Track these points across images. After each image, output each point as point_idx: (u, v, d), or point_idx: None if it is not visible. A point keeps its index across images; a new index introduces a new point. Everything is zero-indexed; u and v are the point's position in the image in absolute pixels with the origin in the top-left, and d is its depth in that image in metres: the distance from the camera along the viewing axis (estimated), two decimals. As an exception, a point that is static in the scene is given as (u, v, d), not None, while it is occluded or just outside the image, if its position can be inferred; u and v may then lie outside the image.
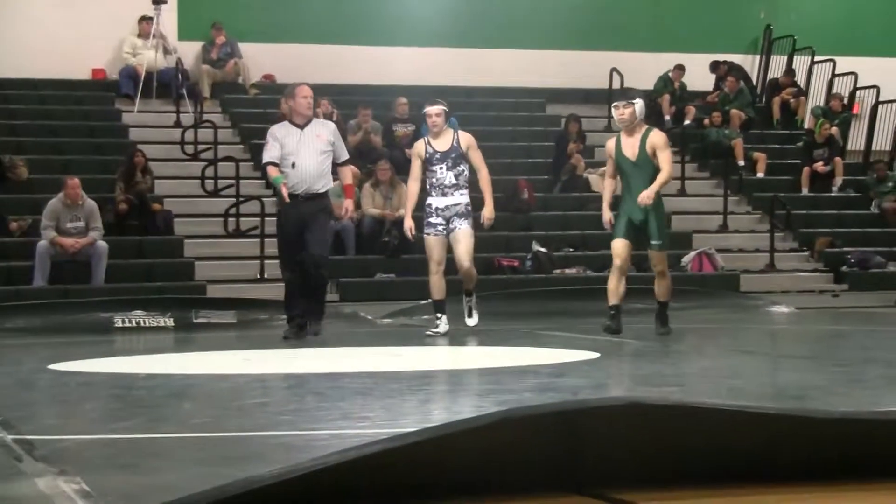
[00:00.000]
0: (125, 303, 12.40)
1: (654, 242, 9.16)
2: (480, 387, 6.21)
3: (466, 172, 9.70)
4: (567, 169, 16.54)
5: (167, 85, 17.11)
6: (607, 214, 9.29)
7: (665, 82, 18.86)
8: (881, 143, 18.90)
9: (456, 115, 17.04)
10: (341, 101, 16.58)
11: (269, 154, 9.62)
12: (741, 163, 17.69)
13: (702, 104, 18.84)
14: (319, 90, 16.47)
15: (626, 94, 9.36)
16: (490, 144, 14.62)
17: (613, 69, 18.45)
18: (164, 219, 14.47)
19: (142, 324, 12.14)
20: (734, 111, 18.42)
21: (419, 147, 9.80)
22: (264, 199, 14.33)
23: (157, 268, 13.79)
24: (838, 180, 17.58)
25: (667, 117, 18.64)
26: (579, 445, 3.04)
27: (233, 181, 14.89)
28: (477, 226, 9.85)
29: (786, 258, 16.13)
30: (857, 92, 19.26)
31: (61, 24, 17.34)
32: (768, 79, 19.93)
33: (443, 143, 9.70)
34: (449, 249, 9.71)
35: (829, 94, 19.19)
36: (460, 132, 9.78)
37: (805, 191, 17.46)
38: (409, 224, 9.86)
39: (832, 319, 13.18)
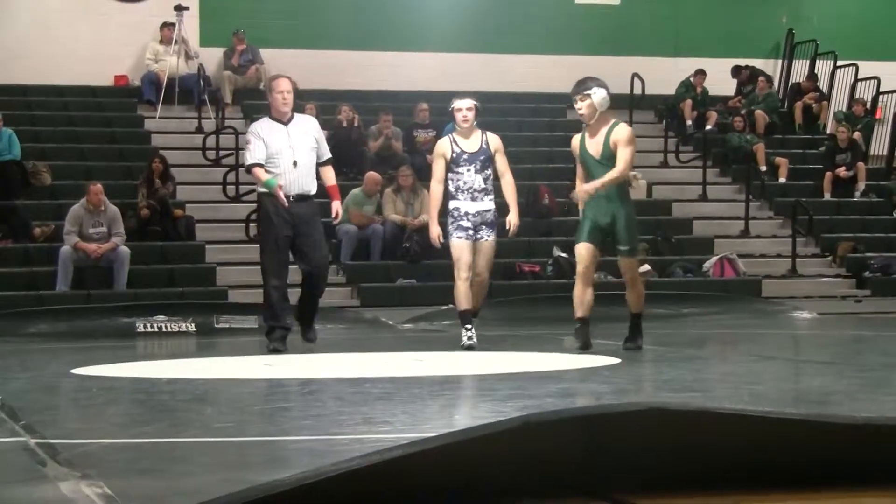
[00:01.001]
0: (147, 308, 12.46)
1: (621, 248, 8.24)
2: (502, 392, 6.20)
3: (491, 176, 9.01)
4: (588, 174, 16.52)
5: (189, 91, 17.17)
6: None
7: (686, 87, 18.82)
8: (904, 147, 18.82)
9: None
10: (362, 106, 16.61)
11: (253, 155, 8.91)
12: (763, 168, 17.63)
13: (723, 108, 18.80)
14: (340, 96, 16.61)
15: (582, 86, 8.35)
16: (511, 150, 14.50)
17: (634, 74, 18.42)
18: (185, 224, 14.53)
19: (164, 329, 12.18)
20: (759, 112, 18.36)
21: (443, 147, 9.00)
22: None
23: (179, 273, 13.83)
24: (861, 185, 17.51)
25: (689, 122, 18.62)
26: (601, 451, 3.04)
27: (254, 187, 14.87)
28: (500, 233, 9.23)
29: (808, 263, 16.06)
30: (880, 96, 19.18)
31: (84, 30, 17.43)
32: (790, 83, 19.88)
33: (471, 144, 8.94)
34: None
35: (852, 99, 19.12)
36: (489, 133, 9.08)
37: (827, 196, 17.40)
38: (435, 231, 9.11)
39: (854, 325, 13.12)
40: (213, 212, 15.23)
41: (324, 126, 10.65)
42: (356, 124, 16.02)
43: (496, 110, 17.57)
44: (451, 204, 8.96)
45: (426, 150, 16.30)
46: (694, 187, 17.35)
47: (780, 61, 20.17)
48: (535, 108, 18.37)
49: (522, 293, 13.77)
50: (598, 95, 8.23)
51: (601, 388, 6.22)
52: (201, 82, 16.98)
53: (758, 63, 19.69)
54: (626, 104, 18.57)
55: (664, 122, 18.70)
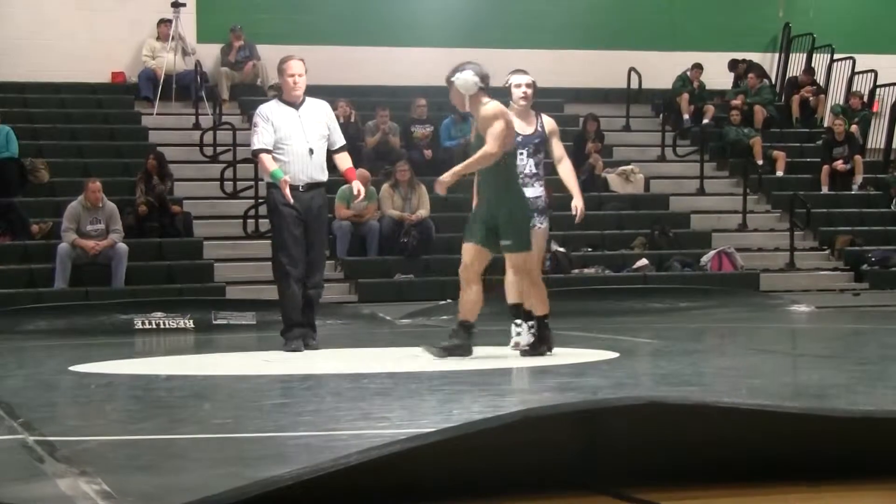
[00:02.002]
0: (145, 304, 12.46)
1: (503, 242, 7.53)
2: (500, 387, 6.20)
3: (543, 161, 8.14)
4: (585, 168, 16.51)
5: (186, 87, 17.16)
6: None
7: (683, 81, 18.82)
8: (901, 140, 18.83)
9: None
10: (359, 102, 16.61)
11: (260, 139, 8.32)
12: (760, 161, 17.64)
13: (721, 102, 18.79)
14: (338, 91, 16.55)
15: (448, 74, 7.79)
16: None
17: (631, 69, 18.43)
18: (183, 221, 14.52)
19: (162, 325, 12.18)
20: (757, 106, 18.36)
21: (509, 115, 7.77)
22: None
23: (177, 269, 13.83)
24: (858, 178, 17.52)
25: (686, 116, 18.62)
26: (599, 445, 3.04)
27: (252, 183, 14.92)
28: (568, 221, 8.41)
29: (806, 257, 16.07)
30: (877, 90, 19.18)
31: (81, 27, 17.42)
32: (787, 77, 19.87)
33: (526, 125, 8.05)
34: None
35: (849, 92, 19.12)
36: (544, 115, 8.26)
37: (825, 189, 17.40)
38: (444, 176, 7.63)
39: (853, 318, 13.13)
40: (210, 208, 15.23)
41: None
42: (353, 119, 16.02)
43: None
44: None
45: (423, 145, 16.30)
46: (691, 181, 17.35)
47: (776, 55, 20.17)
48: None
49: (520, 288, 13.75)
50: (460, 80, 7.59)
51: (599, 383, 6.22)
52: (198, 79, 16.97)
53: (755, 57, 19.68)
54: (623, 98, 18.59)
55: (661, 116, 18.70)
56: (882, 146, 18.69)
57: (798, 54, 19.94)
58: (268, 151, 8.33)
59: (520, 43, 18.54)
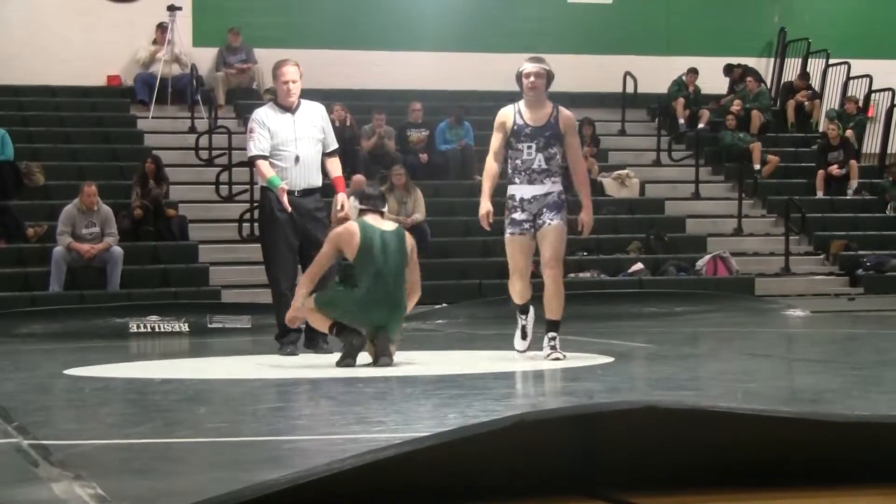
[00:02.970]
0: (140, 308, 12.46)
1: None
2: (495, 391, 6.20)
3: (559, 157, 7.59)
4: (581, 173, 16.53)
5: (182, 91, 17.17)
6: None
7: (679, 86, 18.85)
8: (896, 145, 18.86)
9: (469, 119, 17.01)
10: (355, 105, 16.62)
11: (257, 146, 8.27)
12: (757, 166, 17.65)
13: (717, 107, 18.81)
14: (334, 95, 16.57)
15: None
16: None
17: (627, 73, 18.45)
18: (178, 224, 14.52)
19: (157, 329, 12.18)
20: (755, 112, 18.38)
21: (505, 115, 7.65)
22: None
23: (172, 273, 13.83)
24: (853, 183, 17.54)
25: (681, 121, 18.64)
26: (594, 449, 3.04)
27: (247, 186, 14.92)
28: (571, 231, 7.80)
29: (801, 261, 16.09)
30: (872, 95, 19.21)
31: (76, 31, 17.42)
32: (783, 82, 19.90)
33: (538, 117, 7.59)
34: (536, 251, 7.62)
35: (844, 97, 19.15)
36: (561, 108, 7.74)
37: (820, 194, 17.42)
38: (486, 208, 7.54)
39: (848, 323, 13.14)
40: (206, 212, 15.23)
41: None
42: (349, 123, 16.02)
43: (489, 109, 17.54)
44: (508, 190, 7.61)
45: (419, 149, 16.31)
46: (687, 186, 17.37)
47: (772, 60, 20.20)
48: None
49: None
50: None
51: (595, 387, 6.22)
52: (194, 82, 16.97)
53: (750, 62, 19.72)
54: (618, 102, 18.61)
55: (657, 120, 18.72)
56: (877, 151, 18.73)
57: (793, 59, 19.97)
58: (264, 158, 8.30)
59: (515, 47, 18.50)
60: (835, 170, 17.45)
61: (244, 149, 8.73)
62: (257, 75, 17.71)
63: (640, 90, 18.55)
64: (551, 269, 7.45)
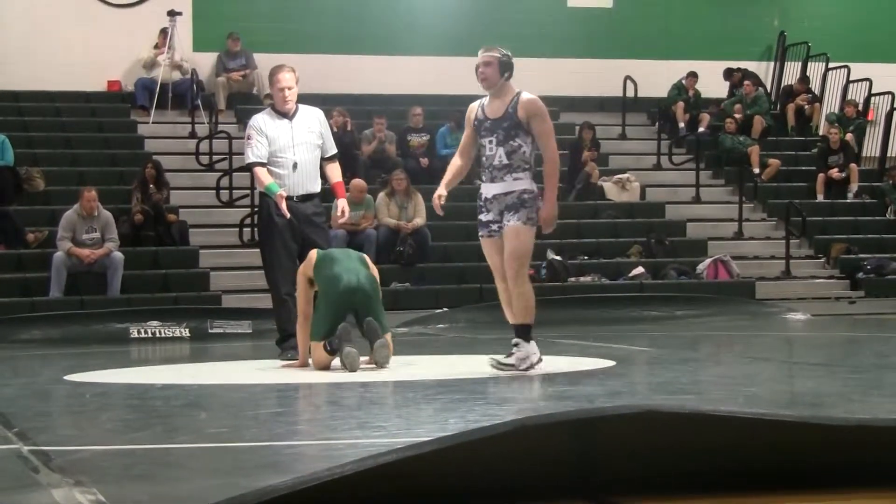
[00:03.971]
0: (141, 313, 12.45)
1: None
2: (496, 395, 6.20)
3: (525, 150, 7.04)
4: (581, 177, 16.55)
5: (182, 96, 17.17)
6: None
7: (679, 90, 18.85)
8: (896, 149, 18.87)
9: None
10: (355, 110, 16.62)
11: (254, 152, 8.27)
12: (756, 170, 17.65)
13: (717, 111, 18.82)
14: (334, 100, 16.57)
15: None
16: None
17: (627, 77, 18.46)
18: (179, 229, 14.51)
19: (157, 334, 12.17)
20: (757, 117, 18.38)
21: (471, 110, 7.27)
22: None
23: (173, 278, 13.82)
24: (853, 187, 17.54)
25: (681, 124, 18.64)
26: (595, 453, 3.04)
27: (247, 191, 14.92)
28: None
29: (801, 265, 16.09)
30: (872, 98, 19.22)
31: (76, 36, 17.42)
32: (782, 85, 19.91)
33: (496, 108, 7.13)
34: None
35: (844, 101, 19.16)
36: (522, 94, 7.13)
37: (820, 197, 17.42)
38: (438, 192, 7.26)
39: (848, 326, 13.13)
40: (206, 216, 15.22)
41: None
42: (349, 128, 16.02)
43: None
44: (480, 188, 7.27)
45: (419, 153, 16.31)
46: (687, 189, 17.37)
47: (772, 63, 20.20)
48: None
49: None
50: None
51: (595, 391, 6.22)
52: (194, 87, 16.97)
53: (750, 65, 19.72)
54: (618, 107, 18.62)
55: (657, 124, 18.72)
56: (877, 154, 18.72)
57: (793, 63, 19.97)
58: (262, 164, 8.29)
59: (515, 51, 18.37)
60: (835, 173, 17.45)
61: (244, 154, 8.71)
62: (257, 80, 17.71)
63: (640, 94, 18.56)
64: (508, 270, 7.00)
